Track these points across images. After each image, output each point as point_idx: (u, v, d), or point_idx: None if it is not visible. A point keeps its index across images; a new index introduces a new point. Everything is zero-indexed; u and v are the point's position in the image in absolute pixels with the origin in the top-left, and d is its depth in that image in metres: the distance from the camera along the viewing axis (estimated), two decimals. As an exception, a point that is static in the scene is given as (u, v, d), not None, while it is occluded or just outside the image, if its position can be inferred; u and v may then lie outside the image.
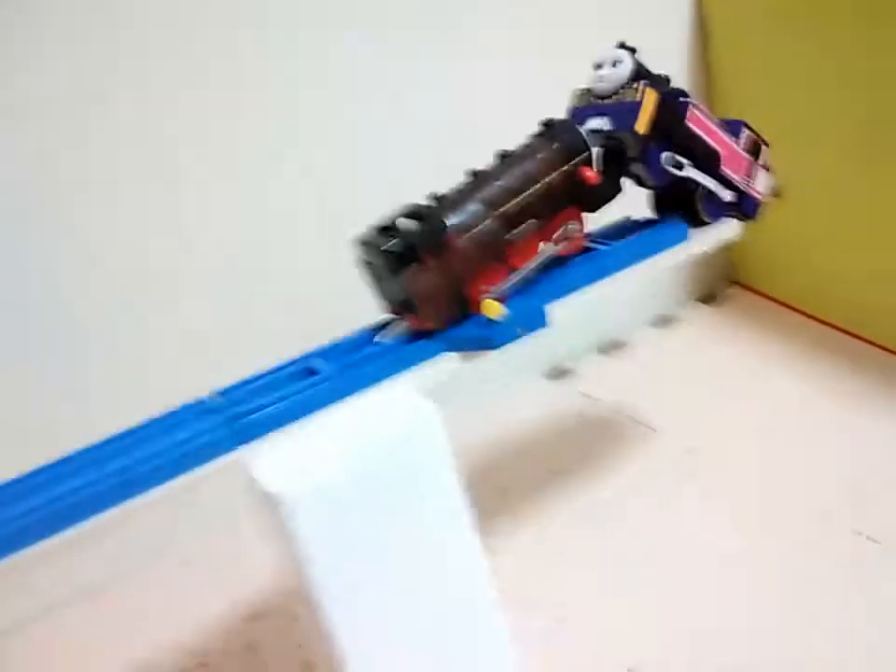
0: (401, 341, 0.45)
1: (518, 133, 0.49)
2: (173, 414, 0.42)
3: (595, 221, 0.51)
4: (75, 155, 0.61)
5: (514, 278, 0.46)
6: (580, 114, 0.51)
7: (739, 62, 0.82)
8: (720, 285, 0.96)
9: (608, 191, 0.49)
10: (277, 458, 0.39)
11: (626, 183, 0.51)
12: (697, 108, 0.50)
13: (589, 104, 0.51)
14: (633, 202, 0.53)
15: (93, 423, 0.42)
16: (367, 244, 0.44)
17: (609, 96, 0.50)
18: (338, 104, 0.70)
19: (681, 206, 0.54)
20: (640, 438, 0.72)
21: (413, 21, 0.71)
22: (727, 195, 0.53)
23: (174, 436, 0.39)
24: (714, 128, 0.52)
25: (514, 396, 0.83)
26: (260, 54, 0.66)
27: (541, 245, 0.47)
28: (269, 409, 0.40)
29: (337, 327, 0.48)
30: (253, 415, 0.40)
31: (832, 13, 0.69)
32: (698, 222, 0.54)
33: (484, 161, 0.47)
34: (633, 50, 0.50)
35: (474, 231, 0.44)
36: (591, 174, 0.46)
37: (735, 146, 0.53)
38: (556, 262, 0.48)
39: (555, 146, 0.47)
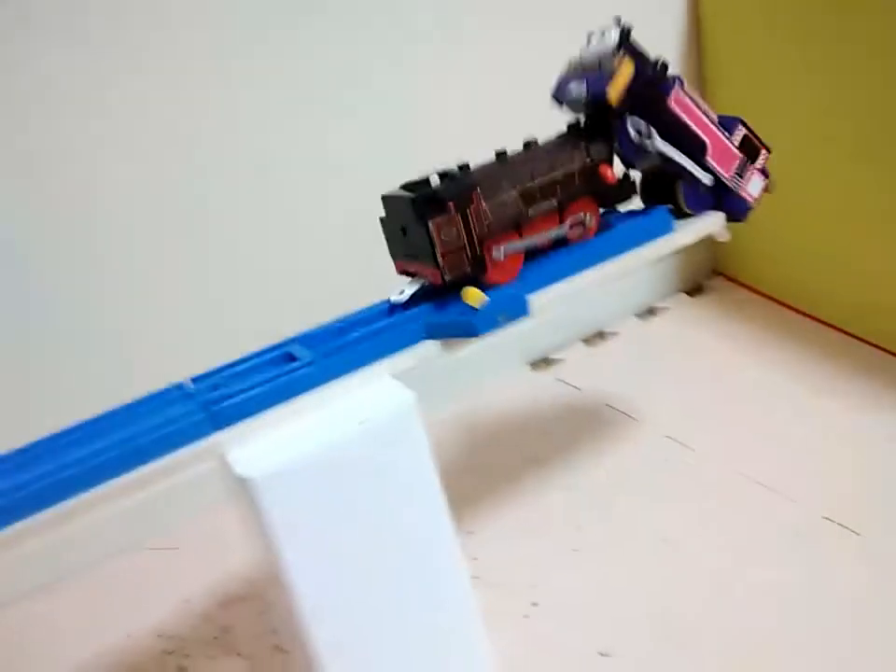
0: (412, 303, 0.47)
1: (520, 135, 0.49)
2: (149, 399, 0.42)
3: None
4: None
5: (521, 246, 0.48)
6: (564, 82, 0.51)
7: (733, 61, 0.82)
8: (705, 276, 0.96)
9: (623, 192, 0.52)
10: (252, 443, 0.39)
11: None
12: (687, 94, 0.50)
13: (575, 72, 0.51)
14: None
15: (71, 407, 0.42)
16: (393, 198, 0.46)
17: (596, 66, 0.50)
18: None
19: (668, 198, 0.54)
20: (622, 427, 0.72)
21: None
22: (705, 178, 0.53)
23: (149, 420, 0.39)
24: (703, 118, 0.51)
25: (498, 385, 0.83)
26: (267, 53, 0.66)
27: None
28: (246, 394, 0.40)
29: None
30: (230, 401, 0.40)
31: (826, 12, 0.69)
32: (683, 214, 0.54)
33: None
34: (629, 29, 0.49)
35: (497, 199, 0.46)
36: (610, 173, 0.49)
37: (725, 140, 0.53)
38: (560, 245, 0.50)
39: (581, 143, 0.49)
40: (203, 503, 0.68)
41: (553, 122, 0.51)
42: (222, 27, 0.64)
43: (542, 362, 0.87)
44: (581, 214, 0.50)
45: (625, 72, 0.48)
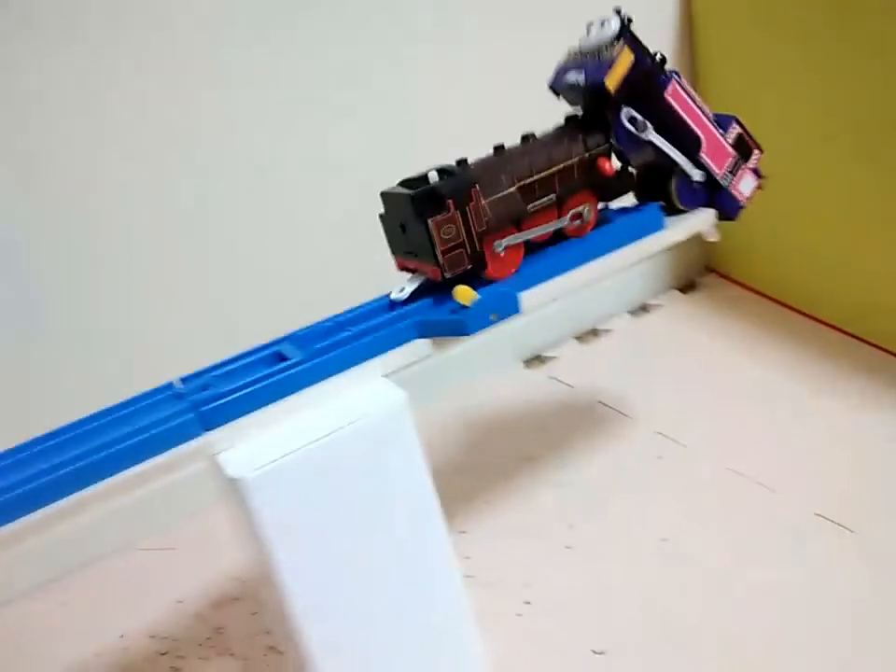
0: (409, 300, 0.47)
1: (516, 132, 0.49)
2: (138, 399, 0.42)
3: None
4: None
5: (521, 239, 0.48)
6: (563, 71, 0.51)
7: (725, 58, 0.81)
8: (698, 273, 0.96)
9: (622, 185, 0.52)
10: (242, 443, 0.39)
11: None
12: (684, 88, 0.50)
13: (573, 61, 0.51)
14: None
15: (71, 407, 0.43)
16: (392, 195, 0.46)
17: (595, 54, 0.50)
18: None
19: (661, 195, 0.53)
20: (615, 424, 0.72)
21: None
22: (697, 174, 0.53)
23: (139, 421, 0.39)
24: (699, 113, 0.51)
25: (491, 382, 0.83)
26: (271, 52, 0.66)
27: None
28: (237, 394, 0.40)
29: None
30: (220, 401, 0.40)
31: (820, 11, 0.68)
32: (675, 210, 0.54)
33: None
34: (629, 18, 0.49)
35: (496, 195, 0.46)
36: (608, 166, 0.49)
37: (720, 137, 0.53)
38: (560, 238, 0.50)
39: (580, 135, 0.49)
40: (196, 504, 0.68)
41: (553, 122, 0.51)
42: (222, 27, 0.64)
43: (536, 359, 0.87)
44: (581, 207, 0.50)
45: (624, 61, 0.48)
